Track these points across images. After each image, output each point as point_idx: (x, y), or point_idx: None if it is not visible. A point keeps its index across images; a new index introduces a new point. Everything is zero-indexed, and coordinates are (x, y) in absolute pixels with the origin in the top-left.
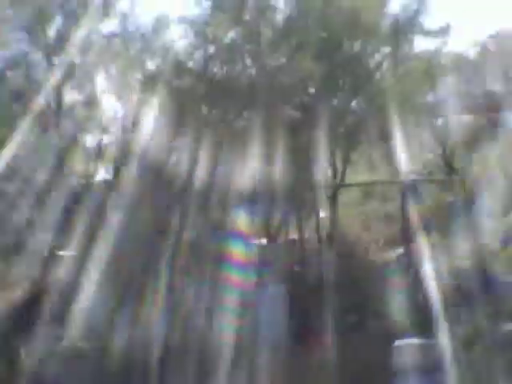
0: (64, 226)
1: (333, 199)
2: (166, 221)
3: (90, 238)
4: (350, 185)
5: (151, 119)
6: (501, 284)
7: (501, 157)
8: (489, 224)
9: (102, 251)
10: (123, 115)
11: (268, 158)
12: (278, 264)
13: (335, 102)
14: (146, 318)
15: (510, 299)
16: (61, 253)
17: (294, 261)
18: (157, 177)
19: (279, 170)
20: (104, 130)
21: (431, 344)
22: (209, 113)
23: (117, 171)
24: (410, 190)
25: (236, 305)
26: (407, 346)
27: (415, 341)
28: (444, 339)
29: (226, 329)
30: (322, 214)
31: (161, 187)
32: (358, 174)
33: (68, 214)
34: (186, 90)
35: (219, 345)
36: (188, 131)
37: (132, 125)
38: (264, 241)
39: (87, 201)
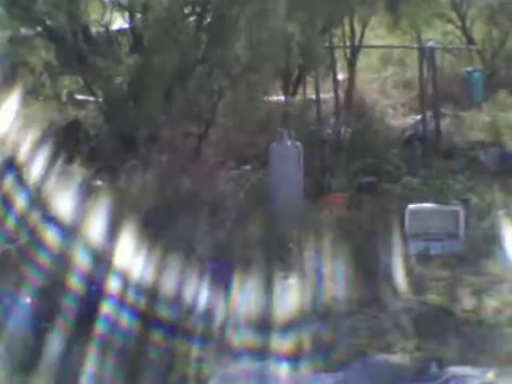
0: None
1: (351, 62)
2: None
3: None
4: (368, 46)
5: None
6: None
7: None
8: (506, 99)
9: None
10: None
11: (286, 15)
12: (294, 121)
13: None
14: None
15: None
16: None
17: (311, 120)
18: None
19: (298, 26)
20: None
21: (445, 210)
22: None
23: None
24: (428, 57)
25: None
26: (421, 211)
27: (429, 206)
28: (458, 206)
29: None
30: (339, 77)
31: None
32: (377, 39)
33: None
34: None
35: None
36: None
37: None
38: (282, 97)
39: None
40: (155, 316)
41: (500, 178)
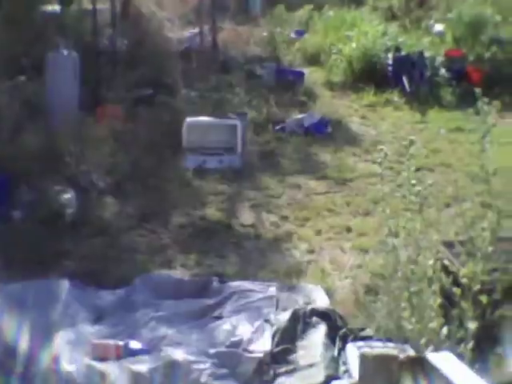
0: None
1: None
2: None
3: None
4: None
5: None
6: (290, 73)
7: None
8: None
9: None
10: None
11: None
12: (71, 31)
13: None
14: None
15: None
16: None
17: (87, 30)
18: None
19: None
20: None
21: (222, 124)
22: None
23: None
24: None
25: None
26: (198, 124)
27: (207, 119)
28: (236, 120)
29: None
30: None
31: None
32: None
33: None
34: None
35: None
36: None
37: None
38: (57, 7)
39: None
40: None
41: (276, 93)
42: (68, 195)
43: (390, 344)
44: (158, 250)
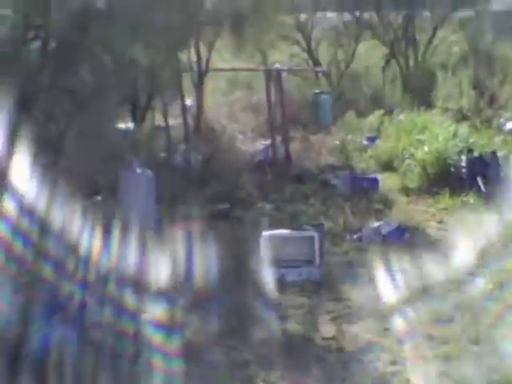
0: None
1: (198, 86)
2: None
3: None
4: (216, 69)
5: None
6: (364, 180)
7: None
8: (354, 121)
9: None
10: None
11: (132, 40)
12: (144, 149)
13: None
14: None
15: (371, 195)
16: None
17: (161, 147)
18: None
19: (144, 51)
20: None
21: (300, 236)
22: None
23: None
24: (275, 80)
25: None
26: (276, 238)
27: (284, 232)
28: (312, 232)
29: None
30: (187, 102)
31: None
32: (223, 62)
33: None
34: None
35: None
36: None
37: None
38: (131, 125)
39: None
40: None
41: (351, 201)
42: (148, 315)
43: None
44: (240, 365)
